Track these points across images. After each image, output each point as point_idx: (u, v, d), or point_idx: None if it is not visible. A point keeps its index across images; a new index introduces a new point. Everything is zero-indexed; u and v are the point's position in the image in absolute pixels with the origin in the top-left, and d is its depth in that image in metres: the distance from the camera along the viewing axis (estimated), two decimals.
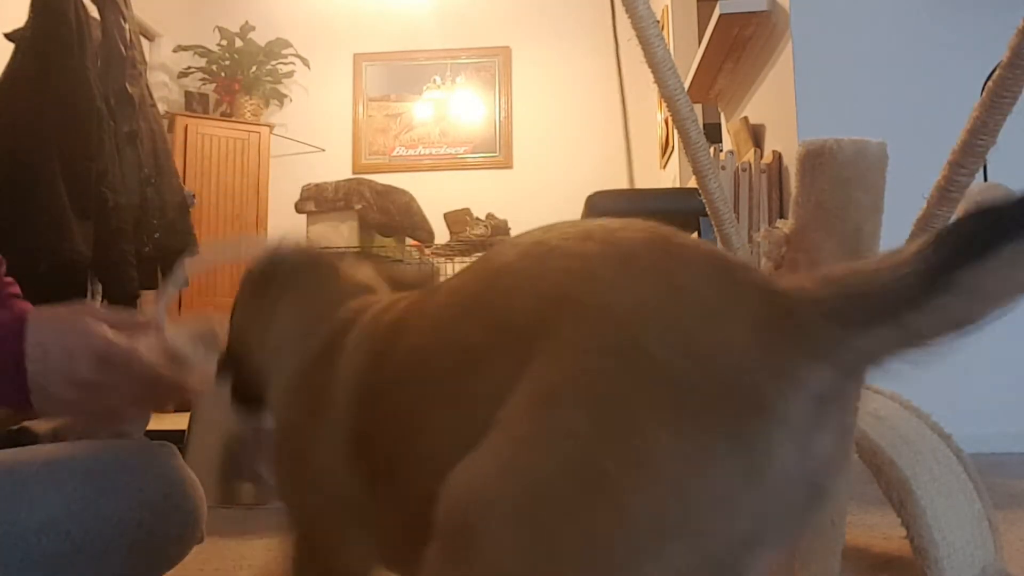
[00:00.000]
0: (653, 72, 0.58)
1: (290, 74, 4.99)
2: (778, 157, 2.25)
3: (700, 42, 2.81)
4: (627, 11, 0.58)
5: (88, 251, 2.12)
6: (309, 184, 4.20)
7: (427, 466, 0.42)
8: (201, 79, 4.87)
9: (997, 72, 0.58)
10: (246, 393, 0.70)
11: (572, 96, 4.98)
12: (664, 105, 4.30)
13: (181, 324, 0.81)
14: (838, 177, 0.64)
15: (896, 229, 0.70)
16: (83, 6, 2.24)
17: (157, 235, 2.44)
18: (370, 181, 4.20)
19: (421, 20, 5.11)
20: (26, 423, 0.83)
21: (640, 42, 0.58)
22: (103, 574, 0.67)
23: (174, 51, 4.82)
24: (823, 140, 0.65)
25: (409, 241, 4.50)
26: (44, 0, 2.14)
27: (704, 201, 0.63)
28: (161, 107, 4.16)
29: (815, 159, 0.65)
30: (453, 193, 4.78)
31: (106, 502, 0.68)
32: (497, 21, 5.08)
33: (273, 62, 4.89)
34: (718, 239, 0.66)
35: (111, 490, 0.69)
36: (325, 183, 4.16)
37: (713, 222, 0.64)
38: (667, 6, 4.13)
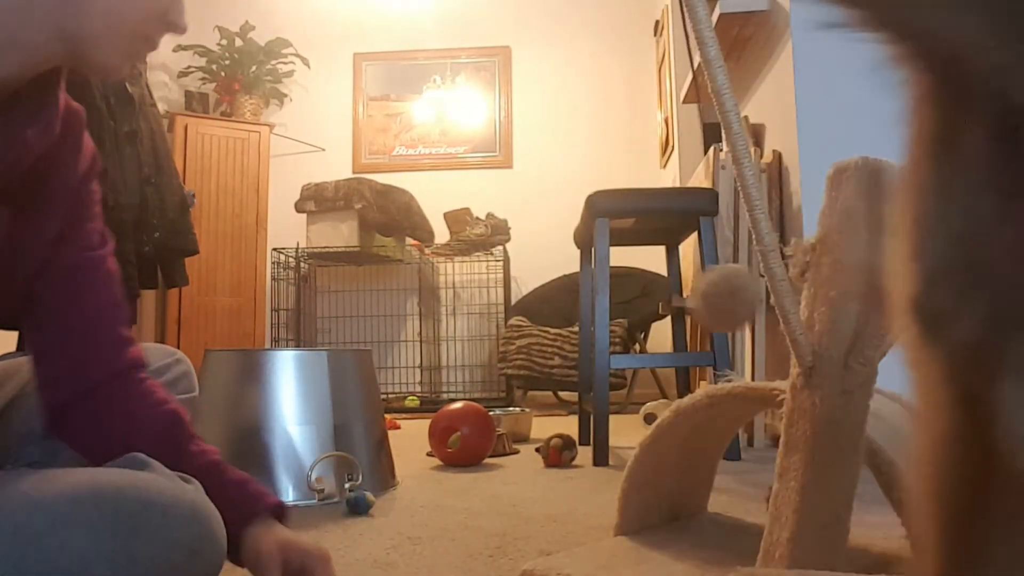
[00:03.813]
0: (705, 68, 0.65)
1: (290, 74, 5.00)
2: (778, 157, 2.25)
3: None
4: (688, 13, 0.65)
5: None
6: (309, 184, 4.21)
7: None
8: (201, 79, 4.87)
9: None
10: None
11: (572, 96, 4.98)
12: (664, 105, 4.30)
13: None
14: (861, 187, 0.71)
15: None
16: None
17: (157, 234, 2.44)
18: (370, 181, 4.20)
19: (421, 20, 5.12)
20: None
21: (697, 41, 0.65)
22: None
23: (174, 51, 4.81)
24: (850, 159, 0.72)
25: (409, 241, 4.51)
26: None
27: (739, 187, 0.69)
28: (161, 107, 4.17)
29: (841, 174, 0.71)
30: (453, 193, 4.78)
31: (138, 544, 0.66)
32: (497, 21, 5.08)
33: (273, 62, 4.89)
34: (750, 224, 0.71)
35: (142, 530, 0.67)
36: (325, 183, 4.16)
37: (746, 208, 0.70)
38: (667, 6, 4.13)
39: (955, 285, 0.29)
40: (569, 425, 2.81)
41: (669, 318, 2.59)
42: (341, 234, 4.09)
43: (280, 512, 0.85)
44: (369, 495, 1.41)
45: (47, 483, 0.66)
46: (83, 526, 0.64)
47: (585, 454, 2.07)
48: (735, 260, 2.26)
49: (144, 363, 0.86)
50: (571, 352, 3.76)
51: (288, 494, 1.49)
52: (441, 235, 4.54)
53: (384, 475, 1.68)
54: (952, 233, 0.29)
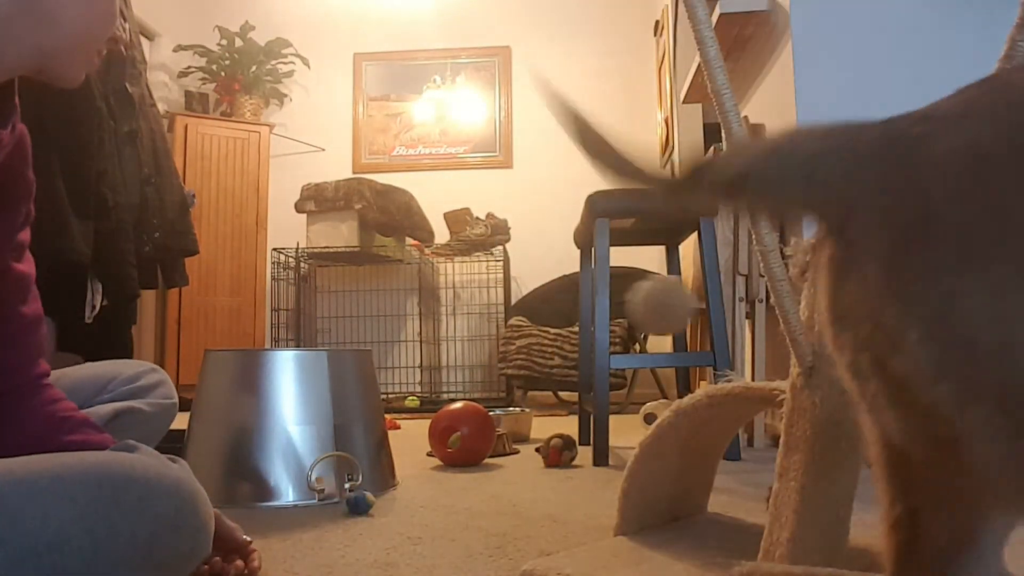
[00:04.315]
0: (705, 68, 0.66)
1: (290, 74, 5.00)
2: None
3: None
4: (688, 12, 0.65)
5: (88, 251, 2.11)
6: (309, 184, 4.21)
7: None
8: (201, 79, 4.87)
9: (996, 66, 0.59)
10: None
11: (572, 96, 4.97)
12: (664, 105, 4.29)
13: None
14: None
15: None
16: None
17: (157, 235, 2.44)
18: (370, 181, 4.20)
19: (421, 20, 5.11)
20: None
21: (696, 41, 0.66)
22: None
23: (174, 51, 4.82)
24: None
25: (409, 241, 4.51)
26: None
27: None
28: (161, 107, 4.17)
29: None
30: (453, 193, 4.78)
31: (119, 516, 0.68)
32: (497, 21, 5.08)
33: (273, 62, 4.89)
34: (750, 224, 0.71)
35: (124, 504, 0.68)
36: (325, 183, 4.16)
37: None
38: (667, 6, 4.13)
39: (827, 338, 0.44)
40: (569, 425, 2.81)
41: None
42: (341, 234, 4.09)
43: None
44: (369, 495, 1.41)
45: (34, 463, 0.68)
46: (64, 499, 0.65)
47: (585, 454, 2.07)
48: (735, 260, 2.26)
49: (47, 374, 0.89)
50: (571, 352, 3.76)
51: (288, 494, 1.49)
52: (441, 235, 4.54)
53: (384, 475, 1.68)
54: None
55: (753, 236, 0.71)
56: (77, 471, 0.68)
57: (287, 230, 4.58)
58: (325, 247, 4.12)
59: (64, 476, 0.66)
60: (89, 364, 1.07)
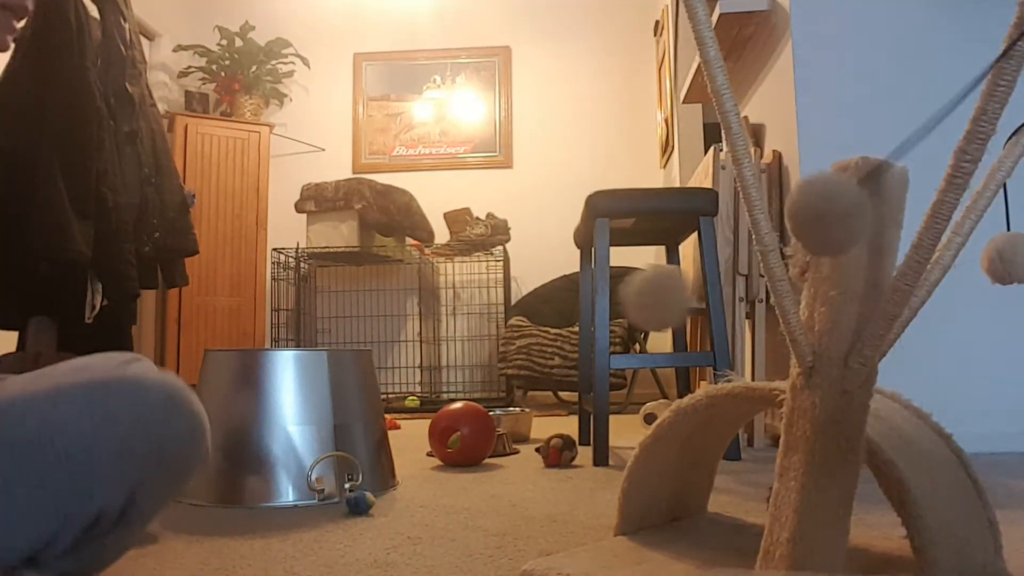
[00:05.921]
0: (705, 68, 0.67)
1: (290, 74, 5.00)
2: (778, 157, 2.25)
3: None
4: (688, 12, 0.65)
5: (88, 251, 2.11)
6: (309, 184, 4.21)
7: None
8: (201, 79, 4.87)
9: (996, 62, 0.60)
10: None
11: (572, 96, 4.98)
12: (664, 105, 4.29)
13: None
14: (861, 187, 0.71)
15: (906, 228, 0.71)
16: (83, 6, 2.24)
17: (157, 235, 2.44)
18: (370, 181, 4.20)
19: (421, 20, 5.12)
20: None
21: (696, 41, 0.67)
22: (119, 474, 0.71)
23: (174, 51, 4.82)
24: (850, 158, 0.70)
25: (409, 241, 4.51)
26: (44, 0, 2.14)
27: (739, 187, 0.70)
28: (161, 107, 4.17)
29: (841, 173, 0.71)
30: (453, 193, 4.78)
31: (113, 402, 0.73)
32: (497, 21, 5.08)
33: (273, 62, 4.89)
34: (750, 224, 0.71)
35: (116, 392, 0.74)
36: (325, 183, 4.17)
37: (746, 208, 0.70)
38: (667, 6, 4.13)
39: None
40: (569, 425, 2.81)
41: None
42: (341, 234, 4.09)
43: None
44: (369, 495, 1.41)
45: (29, 377, 0.74)
46: (61, 394, 0.71)
47: (585, 454, 2.06)
48: (735, 260, 2.26)
49: None
50: (571, 352, 3.76)
51: (288, 494, 1.49)
52: (441, 235, 4.54)
53: (384, 475, 1.68)
54: None
55: (753, 236, 0.71)
56: (70, 375, 0.74)
57: (287, 230, 4.58)
58: (325, 247, 4.13)
59: (59, 382, 0.72)
60: (74, 359, 1.08)
